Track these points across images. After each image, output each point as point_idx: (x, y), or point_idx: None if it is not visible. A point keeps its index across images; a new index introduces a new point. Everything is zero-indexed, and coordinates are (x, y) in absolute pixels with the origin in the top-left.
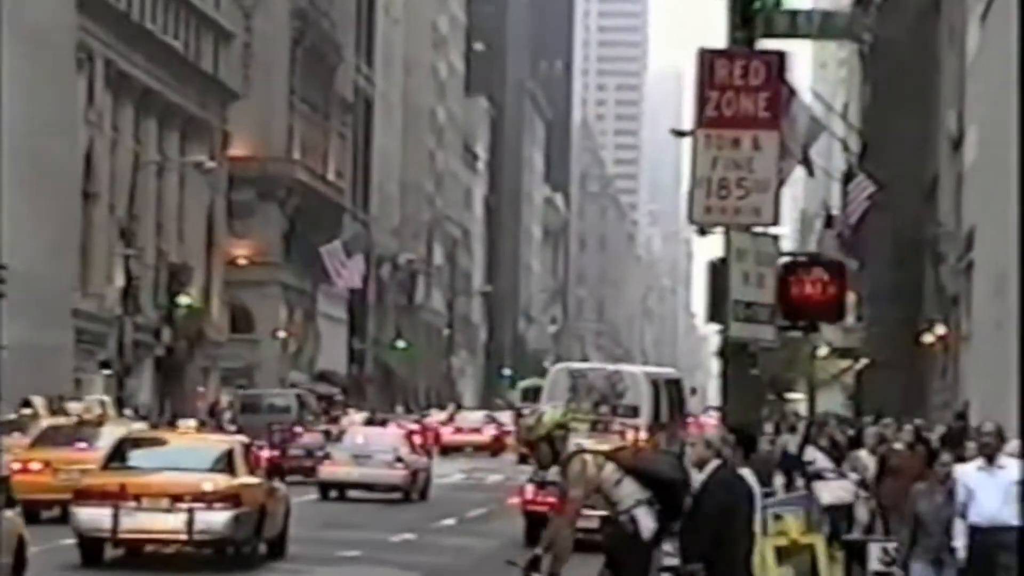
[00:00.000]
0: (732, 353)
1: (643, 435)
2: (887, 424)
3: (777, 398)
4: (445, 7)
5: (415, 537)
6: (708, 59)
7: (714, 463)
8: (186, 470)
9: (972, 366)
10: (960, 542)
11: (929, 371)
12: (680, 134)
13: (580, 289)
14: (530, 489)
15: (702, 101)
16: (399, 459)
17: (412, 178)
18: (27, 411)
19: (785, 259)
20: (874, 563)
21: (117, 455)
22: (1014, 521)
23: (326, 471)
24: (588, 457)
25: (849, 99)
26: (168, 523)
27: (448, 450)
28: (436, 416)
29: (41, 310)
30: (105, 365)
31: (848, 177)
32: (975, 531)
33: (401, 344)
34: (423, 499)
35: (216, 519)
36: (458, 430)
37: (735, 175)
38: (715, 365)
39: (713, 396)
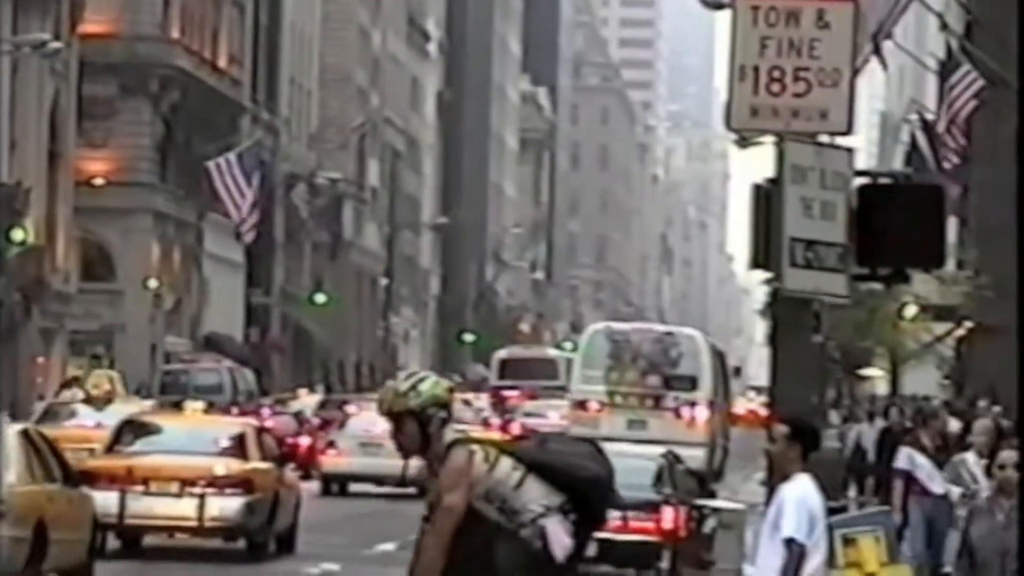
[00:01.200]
0: (786, 312)
1: (702, 412)
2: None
3: (848, 375)
4: None
5: (394, 549)
6: None
7: None
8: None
9: None
10: None
11: None
12: (715, 5)
13: (572, 222)
14: None
15: None
16: None
17: (337, 65)
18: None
19: (861, 181)
20: None
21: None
22: None
23: (329, 462)
24: (476, 448)
25: None
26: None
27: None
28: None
29: None
30: None
31: (948, 67)
32: None
33: (321, 298)
34: None
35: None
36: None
37: (792, 63)
38: (760, 329)
39: (756, 371)
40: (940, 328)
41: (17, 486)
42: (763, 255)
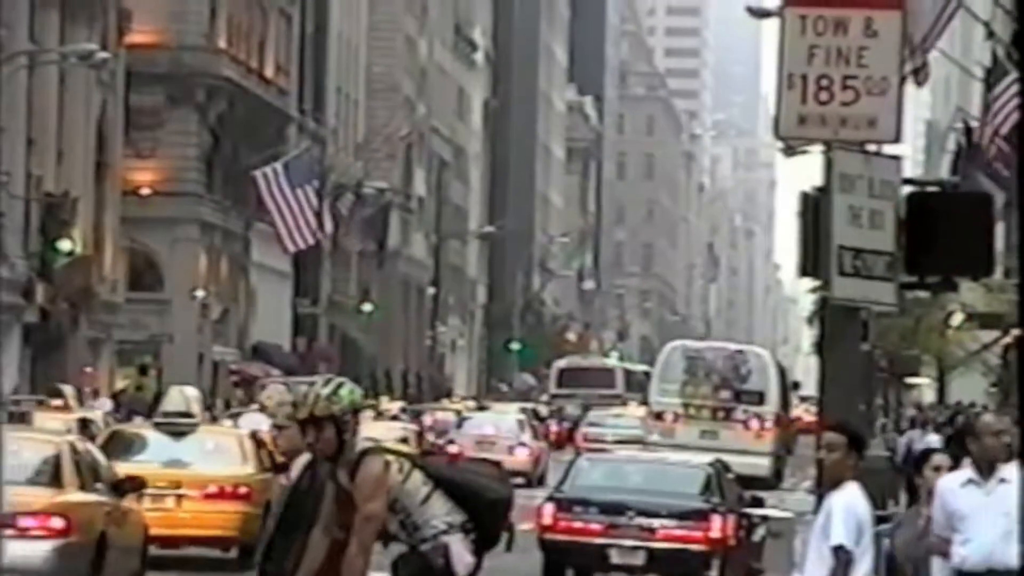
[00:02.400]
0: (834, 320)
1: (769, 425)
2: None
3: (894, 383)
4: None
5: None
6: None
7: None
8: None
9: None
10: None
11: None
12: (762, 14)
13: (618, 231)
14: (549, 510)
15: None
16: (522, 443)
17: (384, 75)
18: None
19: (910, 189)
20: None
21: None
22: (1013, 562)
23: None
24: (391, 459)
25: None
26: None
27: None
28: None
29: None
30: None
31: (994, 76)
32: None
33: (368, 307)
34: (540, 484)
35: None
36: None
37: (841, 72)
38: (807, 338)
39: (803, 378)
40: (987, 336)
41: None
42: (811, 263)
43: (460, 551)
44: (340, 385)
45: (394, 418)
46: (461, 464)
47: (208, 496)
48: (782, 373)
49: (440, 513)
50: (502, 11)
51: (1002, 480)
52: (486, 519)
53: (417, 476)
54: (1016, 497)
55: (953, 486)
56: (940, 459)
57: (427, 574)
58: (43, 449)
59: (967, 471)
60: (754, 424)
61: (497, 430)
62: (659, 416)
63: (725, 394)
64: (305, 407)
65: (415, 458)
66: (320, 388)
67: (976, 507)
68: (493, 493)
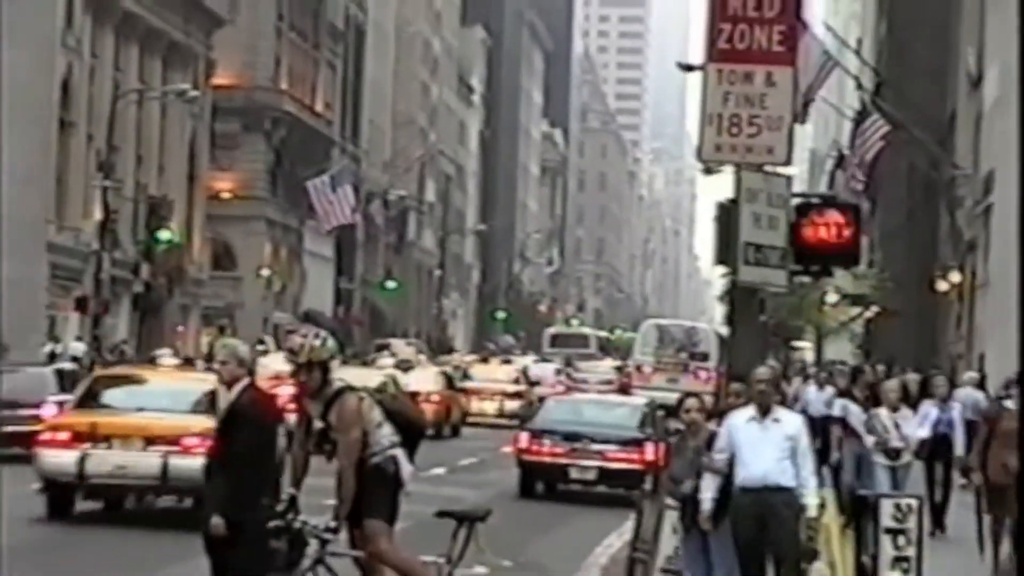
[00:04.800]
0: (739, 298)
1: (712, 375)
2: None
3: (783, 346)
4: None
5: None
6: None
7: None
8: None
9: (989, 316)
10: (707, 494)
11: (943, 320)
12: (688, 68)
13: (578, 229)
14: (525, 438)
15: (713, 33)
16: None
17: (404, 111)
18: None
19: (797, 200)
20: (887, 519)
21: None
22: (782, 480)
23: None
24: (363, 395)
25: (863, 34)
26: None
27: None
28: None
29: (14, 243)
30: (81, 302)
31: (861, 116)
32: (743, 492)
33: (391, 284)
34: None
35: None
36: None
37: (747, 112)
38: (719, 312)
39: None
40: (853, 311)
41: None
42: (723, 255)
43: (403, 461)
44: (324, 339)
45: (506, 362)
46: (398, 400)
47: None
48: (720, 340)
49: (388, 434)
50: (493, 64)
51: (775, 420)
52: (415, 439)
53: (376, 409)
54: (785, 432)
55: (739, 422)
56: (691, 403)
57: (382, 479)
58: (201, 386)
59: (751, 410)
60: (702, 374)
61: (543, 372)
62: (639, 369)
63: (683, 355)
64: (303, 353)
65: (373, 394)
66: (312, 340)
67: (755, 439)
68: (420, 422)
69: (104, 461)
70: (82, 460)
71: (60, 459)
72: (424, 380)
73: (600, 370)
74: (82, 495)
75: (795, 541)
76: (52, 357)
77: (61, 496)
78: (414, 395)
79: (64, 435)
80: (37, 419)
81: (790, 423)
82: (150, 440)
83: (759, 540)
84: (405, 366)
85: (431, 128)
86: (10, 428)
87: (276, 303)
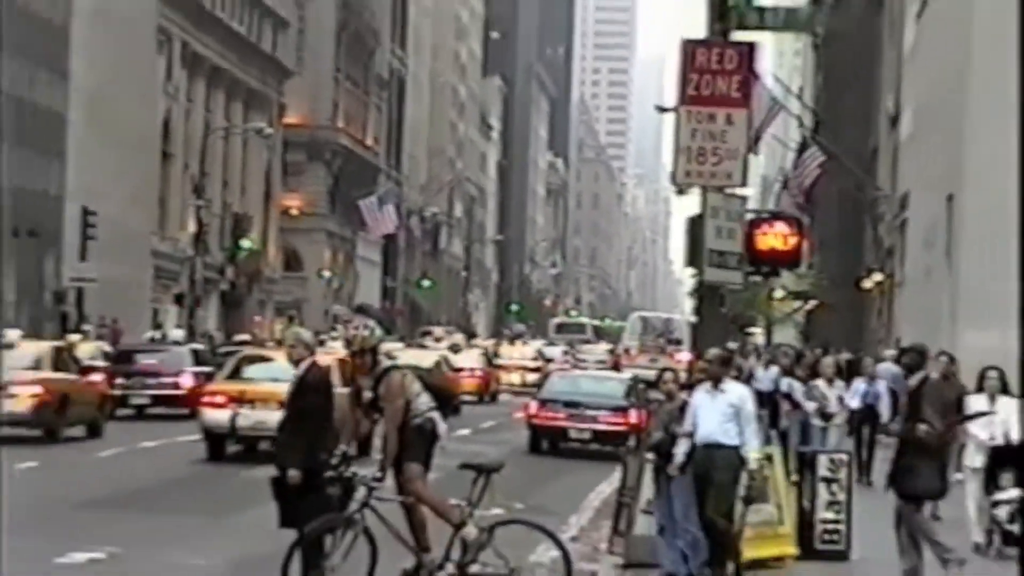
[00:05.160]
0: (705, 294)
1: (685, 355)
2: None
3: (740, 332)
4: (466, 1)
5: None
6: (690, 47)
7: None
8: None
9: (904, 308)
10: (680, 450)
11: (867, 311)
12: (663, 110)
13: (576, 239)
14: (534, 405)
15: (684, 82)
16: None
17: (437, 144)
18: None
19: (751, 215)
20: (823, 471)
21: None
22: (724, 440)
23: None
24: (406, 372)
25: (804, 83)
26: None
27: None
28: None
29: (125, 250)
30: (179, 297)
31: (802, 148)
32: (697, 447)
33: (426, 283)
34: None
35: None
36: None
37: (711, 145)
38: (688, 304)
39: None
40: (796, 304)
41: None
42: (693, 260)
43: (439, 421)
44: (372, 330)
45: (551, 344)
46: (434, 375)
47: None
48: (691, 328)
49: (426, 401)
50: (508, 107)
51: (722, 390)
52: (446, 406)
53: (416, 383)
54: (729, 400)
55: (699, 393)
56: (667, 376)
57: (423, 435)
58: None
59: (708, 384)
60: (676, 355)
61: (553, 353)
62: (627, 351)
63: (661, 340)
64: (356, 343)
65: (416, 370)
66: (362, 331)
67: (706, 406)
68: (450, 391)
69: (248, 418)
70: (233, 418)
71: (217, 417)
72: (469, 359)
73: (596, 352)
74: (232, 443)
75: (726, 488)
76: (153, 341)
77: (217, 443)
78: (460, 370)
79: (220, 399)
80: (176, 385)
81: (734, 392)
82: (281, 403)
83: (705, 483)
84: (455, 348)
85: (458, 158)
86: (156, 392)
87: (335, 298)
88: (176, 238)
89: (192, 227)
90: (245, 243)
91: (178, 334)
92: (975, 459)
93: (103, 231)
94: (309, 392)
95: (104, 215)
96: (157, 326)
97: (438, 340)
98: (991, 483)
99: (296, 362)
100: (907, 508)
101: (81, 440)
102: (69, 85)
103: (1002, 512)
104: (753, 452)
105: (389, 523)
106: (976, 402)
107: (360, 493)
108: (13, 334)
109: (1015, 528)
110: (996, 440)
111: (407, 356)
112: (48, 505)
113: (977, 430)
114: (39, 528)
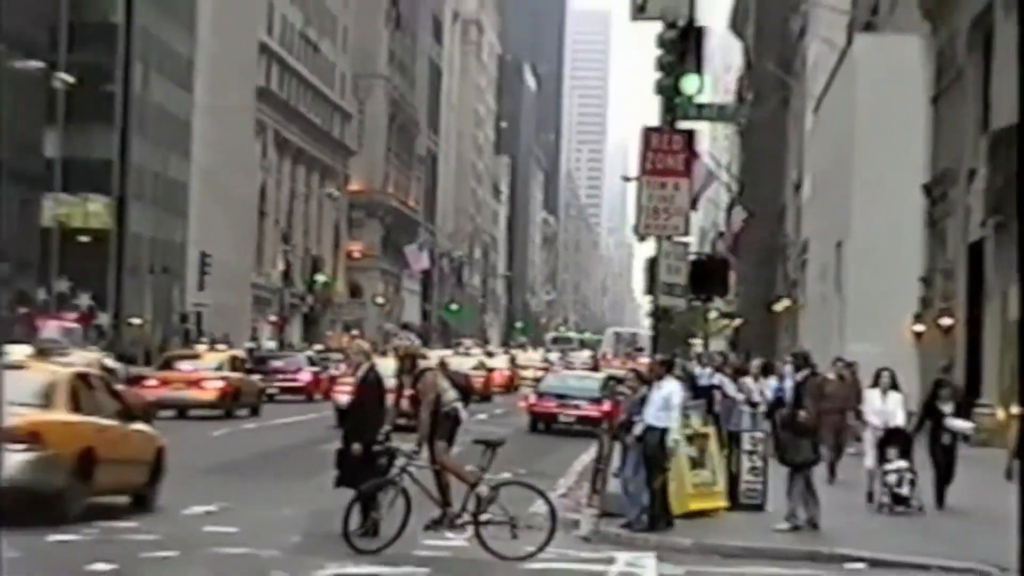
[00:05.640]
0: (659, 315)
1: (646, 361)
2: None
3: (684, 343)
4: (483, 99)
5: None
6: (647, 133)
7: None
8: None
9: (805, 325)
10: (637, 429)
11: (778, 327)
12: (628, 179)
13: (564, 274)
14: (533, 397)
15: (643, 159)
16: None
17: (461, 205)
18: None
19: (692, 256)
20: (746, 445)
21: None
22: (656, 423)
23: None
24: (437, 371)
25: (731, 159)
26: None
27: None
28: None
29: (231, 283)
30: (271, 319)
31: (730, 207)
32: (645, 429)
33: (454, 307)
34: None
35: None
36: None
37: (663, 205)
38: (647, 322)
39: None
40: (726, 322)
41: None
42: (650, 289)
43: (461, 409)
44: (413, 340)
45: (549, 352)
46: (455, 372)
47: None
48: (651, 339)
49: (453, 395)
50: (514, 177)
51: (659, 386)
52: (467, 396)
53: (445, 380)
54: (662, 393)
55: (654, 390)
56: (631, 376)
57: (450, 419)
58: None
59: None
60: (640, 359)
61: (552, 359)
62: (604, 357)
63: (629, 348)
64: (403, 350)
65: (445, 370)
66: (405, 341)
67: (650, 399)
68: (469, 387)
69: None
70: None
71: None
72: (500, 362)
73: (582, 357)
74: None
75: (655, 457)
76: (250, 351)
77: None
78: (493, 370)
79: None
80: (295, 379)
81: (666, 387)
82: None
83: (643, 454)
84: (490, 354)
85: (477, 215)
86: (282, 384)
87: (386, 318)
88: (269, 274)
89: (281, 266)
90: (320, 277)
91: (270, 345)
92: (870, 439)
93: (215, 269)
94: (367, 388)
95: (216, 257)
96: (254, 339)
97: (468, 349)
98: (882, 457)
99: (356, 367)
100: (794, 475)
101: (246, 418)
102: (191, 162)
103: (891, 478)
104: (674, 434)
105: (422, 484)
106: (872, 395)
107: (400, 461)
108: (200, 347)
109: (903, 490)
110: (887, 424)
111: (455, 361)
112: (181, 470)
113: (871, 417)
114: (175, 487)
